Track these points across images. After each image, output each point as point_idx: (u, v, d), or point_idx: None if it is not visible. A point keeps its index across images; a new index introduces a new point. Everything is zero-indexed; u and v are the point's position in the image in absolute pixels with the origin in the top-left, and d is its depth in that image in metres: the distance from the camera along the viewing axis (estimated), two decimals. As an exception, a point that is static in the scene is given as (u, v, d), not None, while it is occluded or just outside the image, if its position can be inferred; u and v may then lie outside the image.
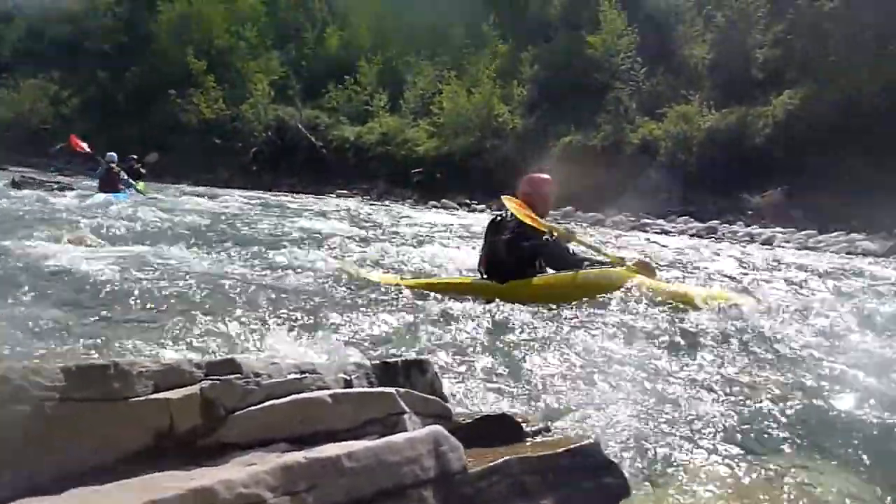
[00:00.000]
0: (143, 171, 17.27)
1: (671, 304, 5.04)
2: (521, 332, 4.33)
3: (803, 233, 16.57)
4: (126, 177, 15.95)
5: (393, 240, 9.93)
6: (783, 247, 15.69)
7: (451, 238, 11.05)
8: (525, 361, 3.68)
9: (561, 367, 3.66)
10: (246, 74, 34.54)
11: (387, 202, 24.83)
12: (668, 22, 26.25)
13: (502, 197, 5.98)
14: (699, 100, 22.69)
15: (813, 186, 17.54)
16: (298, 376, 1.72)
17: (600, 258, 5.87)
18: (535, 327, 4.49)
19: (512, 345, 3.98)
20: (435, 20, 33.74)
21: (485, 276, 5.75)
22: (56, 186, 16.80)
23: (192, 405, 1.57)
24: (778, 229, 17.20)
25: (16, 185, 16.45)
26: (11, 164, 30.08)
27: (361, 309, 4.65)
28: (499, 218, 5.81)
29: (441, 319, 4.55)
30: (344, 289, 5.51)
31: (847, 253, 14.63)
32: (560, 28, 28.64)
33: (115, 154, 15.89)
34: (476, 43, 30.95)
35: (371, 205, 22.94)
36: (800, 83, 20.60)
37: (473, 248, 8.53)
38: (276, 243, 8.32)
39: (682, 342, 4.28)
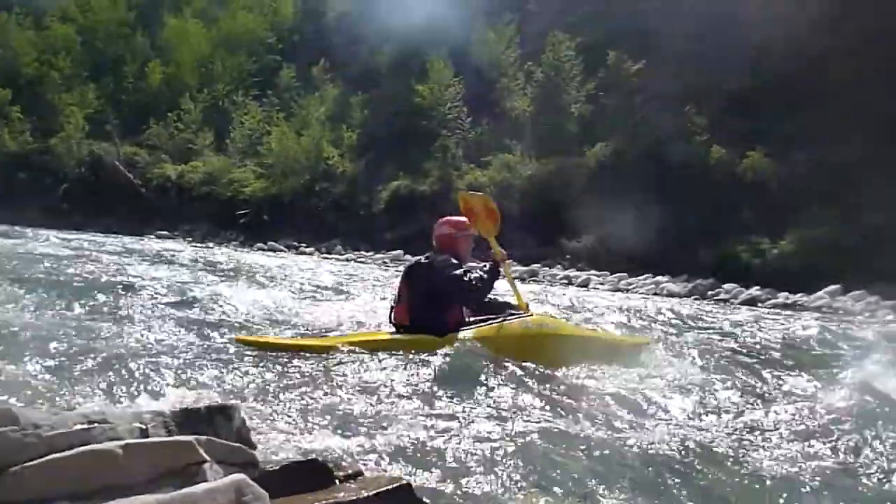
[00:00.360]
0: None
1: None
2: (352, 378, 4.26)
3: (615, 276, 17.68)
4: None
5: (238, 286, 9.35)
6: (598, 289, 16.66)
7: (307, 286, 10.56)
8: (352, 407, 3.63)
9: (390, 411, 3.63)
10: (58, 106, 32.34)
11: (210, 244, 23.94)
12: (493, 75, 27.46)
13: (462, 194, 5.83)
14: (521, 149, 23.80)
15: (623, 232, 18.77)
16: (86, 427, 1.59)
17: (512, 300, 5.63)
18: (368, 371, 4.44)
19: (341, 391, 3.91)
20: (265, 61, 33.44)
21: (399, 330, 5.18)
22: None
23: (-42, 463, 1.41)
24: (593, 272, 18.25)
25: None
26: None
27: (186, 359, 4.39)
28: (424, 260, 5.28)
29: (270, 367, 4.39)
30: (172, 339, 5.13)
31: (654, 294, 15.76)
32: (389, 76, 29.21)
33: None
34: (306, 86, 30.89)
35: (194, 246, 22.02)
36: (611, 136, 22.13)
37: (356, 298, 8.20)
38: (87, 288, 7.74)
39: (535, 386, 4.37)
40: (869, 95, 17.41)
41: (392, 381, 4.16)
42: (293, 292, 9.18)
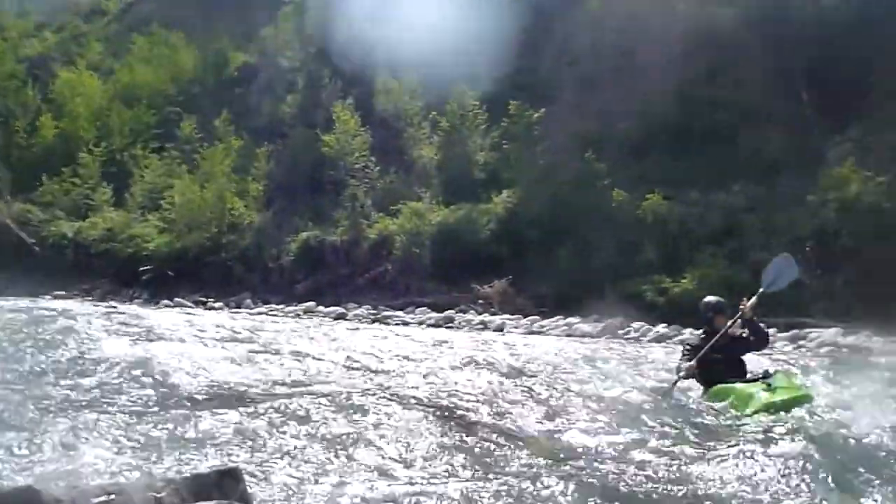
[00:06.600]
0: None
1: None
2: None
3: (528, 319, 18.06)
4: None
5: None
6: (512, 332, 16.97)
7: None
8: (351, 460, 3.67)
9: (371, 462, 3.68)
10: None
11: (112, 302, 23.03)
12: (399, 124, 27.88)
13: None
14: (429, 197, 24.14)
15: (533, 276, 19.39)
16: (105, 499, 1.63)
17: None
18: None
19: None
20: (165, 113, 32.81)
21: None
22: None
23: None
24: (506, 316, 18.57)
25: None
26: None
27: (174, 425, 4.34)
28: None
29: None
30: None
31: (567, 335, 16.18)
32: (294, 126, 29.24)
33: None
34: (208, 137, 30.38)
35: (96, 305, 21.15)
36: (516, 183, 22.75)
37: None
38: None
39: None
40: (749, 142, 19.08)
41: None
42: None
